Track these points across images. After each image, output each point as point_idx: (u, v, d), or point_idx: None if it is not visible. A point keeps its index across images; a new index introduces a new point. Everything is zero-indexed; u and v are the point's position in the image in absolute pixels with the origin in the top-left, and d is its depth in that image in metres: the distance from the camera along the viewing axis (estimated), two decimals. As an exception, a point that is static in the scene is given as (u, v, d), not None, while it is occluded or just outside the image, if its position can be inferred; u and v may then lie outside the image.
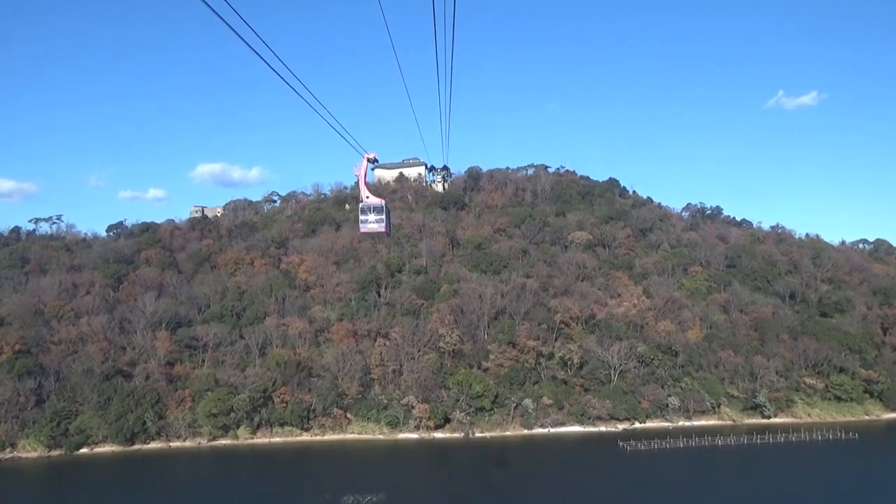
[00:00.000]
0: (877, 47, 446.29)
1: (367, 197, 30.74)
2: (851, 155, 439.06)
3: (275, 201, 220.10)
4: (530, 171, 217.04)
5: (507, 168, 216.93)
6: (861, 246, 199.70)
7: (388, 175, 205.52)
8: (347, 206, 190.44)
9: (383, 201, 31.55)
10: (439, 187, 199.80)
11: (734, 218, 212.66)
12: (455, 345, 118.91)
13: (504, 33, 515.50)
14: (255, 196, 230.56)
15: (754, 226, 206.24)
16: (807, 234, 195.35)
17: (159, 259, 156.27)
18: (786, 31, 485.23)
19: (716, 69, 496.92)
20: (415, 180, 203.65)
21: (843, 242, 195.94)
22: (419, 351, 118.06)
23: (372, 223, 31.18)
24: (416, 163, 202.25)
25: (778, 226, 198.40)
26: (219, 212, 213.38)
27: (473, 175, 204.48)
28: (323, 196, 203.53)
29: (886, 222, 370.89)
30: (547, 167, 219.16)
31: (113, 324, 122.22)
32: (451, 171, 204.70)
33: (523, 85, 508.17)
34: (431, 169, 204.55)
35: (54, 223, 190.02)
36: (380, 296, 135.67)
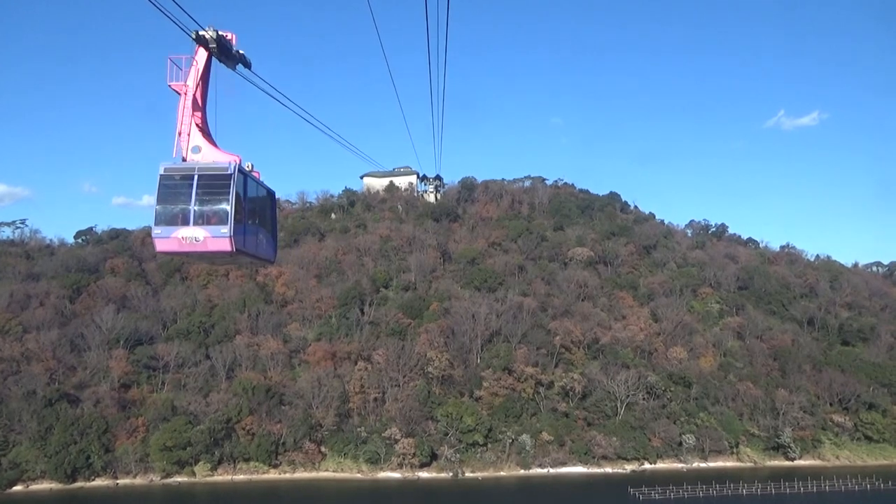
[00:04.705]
0: (879, 65, 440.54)
1: (197, 150, 14.21)
2: (857, 175, 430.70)
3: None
4: (527, 184, 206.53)
5: (503, 179, 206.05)
6: (875, 269, 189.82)
7: (378, 184, 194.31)
8: (333, 216, 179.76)
9: (234, 161, 14.34)
10: (431, 198, 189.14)
11: (740, 236, 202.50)
12: (444, 370, 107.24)
13: (509, 49, 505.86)
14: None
15: (761, 245, 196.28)
16: (818, 256, 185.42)
17: (126, 268, 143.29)
18: (789, 50, 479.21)
19: (718, 87, 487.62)
20: (405, 190, 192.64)
21: (856, 265, 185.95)
22: (404, 377, 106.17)
23: (190, 228, 13.95)
24: (407, 171, 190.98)
25: (788, 245, 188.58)
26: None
27: (467, 185, 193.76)
28: (308, 204, 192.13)
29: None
30: (544, 179, 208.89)
31: (64, 340, 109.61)
32: (444, 180, 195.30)
33: (526, 99, 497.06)
34: (423, 178, 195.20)
35: (17, 228, 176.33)
36: (363, 313, 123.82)
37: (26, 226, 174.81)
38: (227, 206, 13.91)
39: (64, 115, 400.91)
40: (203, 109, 14.68)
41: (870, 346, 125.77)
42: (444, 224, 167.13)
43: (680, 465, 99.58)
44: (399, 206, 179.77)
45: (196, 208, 13.99)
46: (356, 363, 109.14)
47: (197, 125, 14.50)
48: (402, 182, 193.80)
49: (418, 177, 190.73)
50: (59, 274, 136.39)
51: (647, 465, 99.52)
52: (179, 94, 14.46)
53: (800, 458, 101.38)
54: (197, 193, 13.98)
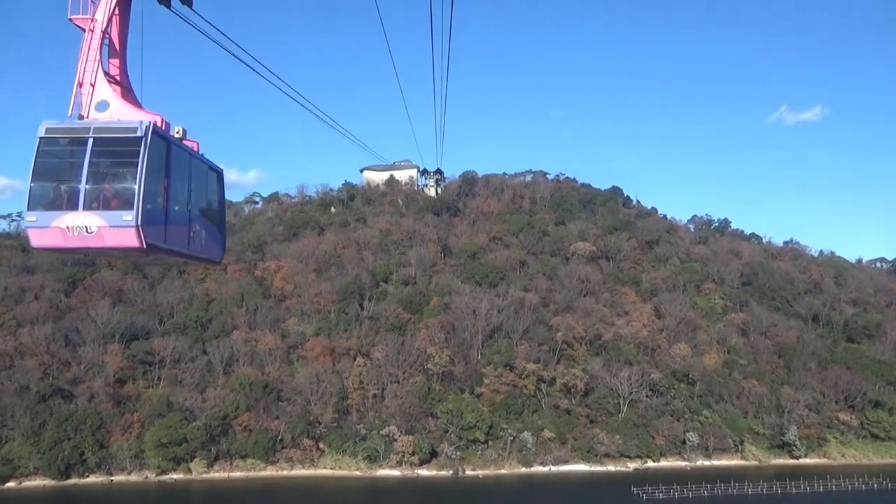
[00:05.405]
0: (881, 59, 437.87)
1: (104, 107, 10.19)
2: (861, 169, 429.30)
3: (256, 202, 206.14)
4: (528, 178, 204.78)
5: (504, 173, 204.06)
6: (880, 265, 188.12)
7: (378, 177, 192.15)
8: (333, 209, 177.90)
9: (150, 121, 10.11)
10: (432, 192, 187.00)
11: (743, 231, 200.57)
12: (445, 366, 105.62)
13: (511, 41, 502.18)
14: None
15: (764, 240, 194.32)
16: (821, 251, 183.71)
17: (123, 262, 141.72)
18: (791, 45, 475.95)
19: (720, 82, 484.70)
20: (406, 184, 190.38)
21: (860, 260, 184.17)
22: (404, 373, 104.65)
23: (80, 214, 9.67)
24: (407, 165, 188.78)
25: (792, 241, 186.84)
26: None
27: (468, 180, 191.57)
28: (308, 198, 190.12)
29: None
30: (546, 173, 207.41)
31: (59, 334, 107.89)
32: (445, 174, 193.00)
33: (528, 91, 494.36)
34: (424, 172, 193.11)
35: (13, 220, 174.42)
36: (362, 308, 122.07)
37: (22, 218, 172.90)
38: (134, 184, 9.70)
39: (65, 106, 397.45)
40: (121, 56, 11.24)
41: (875, 343, 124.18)
42: (444, 218, 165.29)
43: (684, 464, 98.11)
44: (399, 200, 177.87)
45: (89, 186, 9.83)
46: (355, 359, 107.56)
47: (109, 76, 10.85)
48: (402, 176, 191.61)
49: (419, 170, 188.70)
50: (54, 267, 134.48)
51: (650, 464, 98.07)
52: (84, 30, 10.91)
53: (805, 456, 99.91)
54: (91, 164, 9.78)
